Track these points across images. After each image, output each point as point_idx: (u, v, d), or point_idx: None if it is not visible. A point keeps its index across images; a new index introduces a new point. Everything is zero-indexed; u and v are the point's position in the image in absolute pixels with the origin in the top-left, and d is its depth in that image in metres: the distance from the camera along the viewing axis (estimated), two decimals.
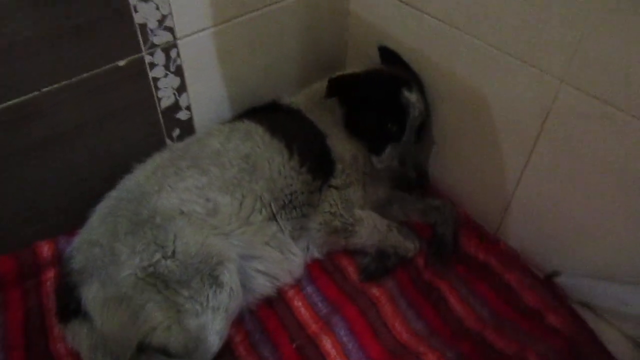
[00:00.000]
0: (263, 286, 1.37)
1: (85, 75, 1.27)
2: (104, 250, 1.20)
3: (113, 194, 1.33)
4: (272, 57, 1.60)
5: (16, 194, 1.35)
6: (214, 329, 1.18)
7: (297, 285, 1.47)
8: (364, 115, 1.47)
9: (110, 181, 1.37)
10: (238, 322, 1.37)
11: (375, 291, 1.46)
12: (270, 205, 1.37)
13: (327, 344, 1.34)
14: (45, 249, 1.42)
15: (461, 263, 1.52)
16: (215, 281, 1.19)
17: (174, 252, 1.19)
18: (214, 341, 1.19)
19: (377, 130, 1.46)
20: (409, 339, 1.36)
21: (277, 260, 1.37)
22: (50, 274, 1.40)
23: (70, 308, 1.19)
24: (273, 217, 1.38)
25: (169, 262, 1.18)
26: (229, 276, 1.21)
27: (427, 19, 1.42)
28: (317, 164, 1.43)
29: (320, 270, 1.51)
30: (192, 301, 1.17)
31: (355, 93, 1.46)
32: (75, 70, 1.25)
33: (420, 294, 1.46)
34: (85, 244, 1.24)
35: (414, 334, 1.38)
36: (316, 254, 1.50)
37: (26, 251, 1.41)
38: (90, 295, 1.17)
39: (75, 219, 1.34)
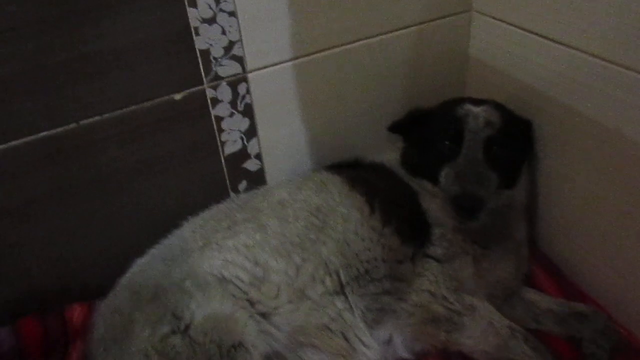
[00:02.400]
0: None
1: (132, 107, 1.13)
2: (123, 319, 1.03)
3: (152, 250, 1.17)
4: (367, 102, 1.40)
5: (49, 243, 1.21)
6: None
7: None
8: (419, 141, 1.27)
9: (161, 237, 1.20)
10: None
11: None
12: (338, 274, 1.11)
13: None
14: (76, 314, 1.24)
15: None
16: None
17: (187, 327, 0.97)
18: None
19: (431, 151, 1.22)
20: None
21: (338, 351, 1.07)
22: (79, 344, 1.20)
23: None
24: (340, 291, 1.11)
25: (177, 339, 0.96)
26: None
27: (561, 51, 1.15)
28: (407, 225, 1.18)
29: None
30: None
31: (416, 124, 1.29)
32: (120, 101, 1.12)
33: None
34: (107, 310, 1.08)
35: None
36: (401, 351, 1.16)
37: (55, 315, 1.24)
38: None
39: (115, 281, 1.15)
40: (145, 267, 1.12)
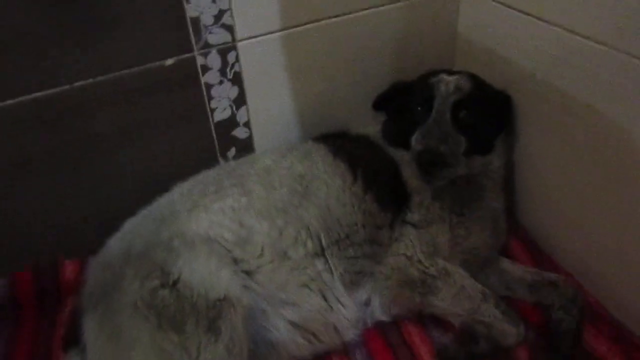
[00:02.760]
0: (295, 344, 1.10)
1: (125, 72, 1.15)
2: (114, 273, 1.06)
3: (143, 211, 1.20)
4: (355, 76, 1.40)
5: (44, 201, 1.24)
6: None
7: (348, 355, 1.16)
8: (398, 112, 1.30)
9: (151, 199, 1.23)
10: None
11: None
12: (319, 238, 1.15)
13: None
14: (69, 270, 1.29)
15: None
16: (211, 325, 0.97)
17: (176, 281, 1.01)
18: None
19: (406, 118, 1.24)
20: None
21: (317, 309, 1.12)
22: (71, 299, 1.24)
23: (72, 336, 1.06)
24: (321, 253, 1.15)
25: (166, 292, 0.99)
26: (231, 321, 0.98)
27: (555, 33, 1.15)
28: (387, 193, 1.21)
29: (382, 343, 1.19)
30: (181, 350, 0.95)
31: (397, 96, 1.32)
32: (113, 65, 1.14)
33: None
34: (99, 266, 1.12)
35: None
36: (379, 313, 1.21)
37: (48, 270, 1.28)
38: (90, 324, 1.03)
39: (106, 240, 1.18)
40: (135, 226, 1.15)
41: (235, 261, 1.07)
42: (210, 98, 1.26)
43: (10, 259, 1.25)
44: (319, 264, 1.13)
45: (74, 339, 1.04)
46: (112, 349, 0.98)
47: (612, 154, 1.09)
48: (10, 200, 1.22)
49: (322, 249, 1.15)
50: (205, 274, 1.01)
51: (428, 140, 1.16)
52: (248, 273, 1.07)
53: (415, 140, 1.19)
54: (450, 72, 1.28)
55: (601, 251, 1.19)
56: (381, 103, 1.35)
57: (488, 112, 1.24)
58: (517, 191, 1.39)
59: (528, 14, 1.21)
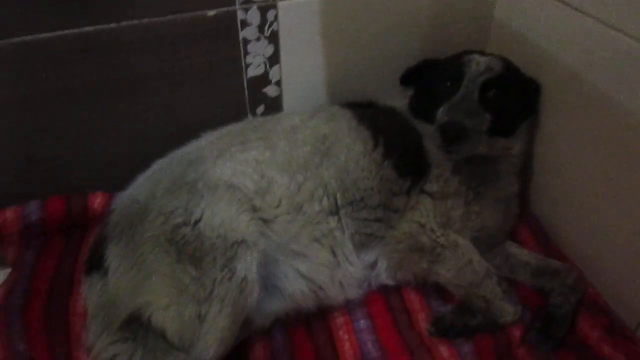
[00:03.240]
0: (301, 293, 1.16)
1: (169, 17, 1.19)
2: (140, 207, 1.12)
3: (172, 154, 1.26)
4: (387, 49, 1.42)
5: (81, 133, 1.31)
6: (215, 324, 1.00)
7: (349, 312, 1.22)
8: (426, 86, 1.31)
9: (180, 144, 1.27)
10: (266, 336, 1.17)
11: (443, 350, 1.15)
12: (335, 197, 1.19)
13: None
14: (98, 201, 1.35)
15: (572, 350, 1.14)
16: (227, 264, 1.03)
17: (197, 221, 1.06)
18: (214, 340, 1.00)
19: (434, 93, 1.25)
20: None
21: (325, 263, 1.17)
22: (97, 229, 1.31)
23: (95, 261, 1.12)
24: (335, 211, 1.19)
25: (188, 229, 1.05)
26: (246, 263, 1.04)
27: (589, 24, 1.15)
28: (406, 162, 1.24)
29: (383, 306, 1.24)
30: (197, 283, 1.02)
31: (426, 72, 1.33)
32: (159, 10, 1.18)
33: None
34: (126, 199, 1.18)
35: None
36: (384, 276, 1.25)
37: (78, 198, 1.35)
38: (113, 252, 1.09)
39: (135, 177, 1.24)
40: (164, 166, 1.20)
41: (254, 209, 1.12)
42: (246, 53, 1.29)
43: (43, 186, 1.33)
44: (332, 222, 1.18)
45: (96, 264, 1.11)
46: (133, 275, 1.04)
47: (634, 150, 1.10)
48: (51, 129, 1.28)
49: (337, 208, 1.19)
50: (225, 217, 1.06)
51: (453, 113, 1.17)
52: (265, 221, 1.12)
53: (441, 112, 1.20)
54: (482, 54, 1.30)
55: (608, 245, 1.20)
56: (410, 77, 1.37)
57: (516, 96, 1.25)
58: (533, 179, 1.41)
59: (565, 3, 1.21)
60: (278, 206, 1.15)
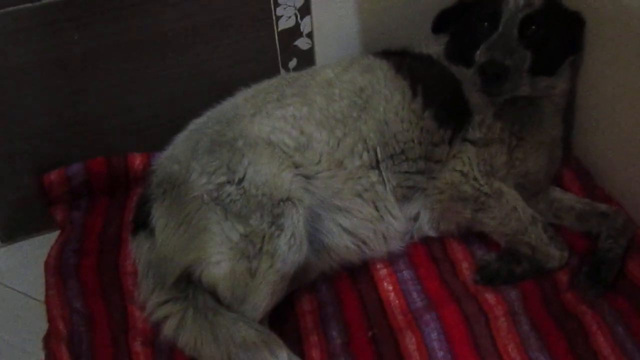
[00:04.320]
0: (346, 248, 1.17)
1: None
2: (181, 167, 1.13)
3: (208, 113, 1.25)
4: None
5: (115, 95, 1.31)
6: (265, 279, 1.03)
7: (392, 264, 1.23)
8: (462, 29, 1.25)
9: (214, 102, 1.27)
10: (313, 289, 1.20)
11: (490, 297, 1.16)
12: (375, 151, 1.18)
13: (411, 343, 1.08)
14: (138, 161, 1.38)
15: (622, 294, 1.12)
16: (275, 221, 1.04)
17: (241, 179, 1.07)
18: (265, 295, 1.04)
19: (471, 34, 1.20)
20: None
21: (368, 217, 1.17)
22: (139, 189, 1.34)
23: (141, 221, 1.15)
24: (376, 165, 1.19)
25: (233, 188, 1.07)
26: (293, 219, 1.05)
27: None
28: (447, 111, 1.21)
29: (425, 256, 1.25)
30: (247, 240, 1.04)
31: (461, 14, 1.26)
32: None
33: (551, 318, 1.11)
34: (167, 160, 1.19)
35: None
36: (426, 227, 1.25)
37: (118, 159, 1.38)
38: (159, 211, 1.12)
39: (173, 136, 1.25)
40: (201, 126, 1.21)
41: (295, 165, 1.12)
42: (276, 5, 1.27)
43: (84, 150, 1.35)
44: (373, 176, 1.17)
45: (142, 224, 1.14)
46: (182, 234, 1.07)
47: None
48: (86, 92, 1.29)
49: (377, 162, 1.18)
50: (269, 174, 1.07)
51: (492, 52, 1.13)
52: (307, 178, 1.12)
53: (479, 53, 1.16)
54: None
55: None
56: (444, 21, 1.32)
57: (558, 32, 1.20)
58: (576, 120, 1.36)
59: None
60: (319, 162, 1.14)
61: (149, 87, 1.32)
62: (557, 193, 1.30)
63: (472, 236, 1.25)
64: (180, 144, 1.20)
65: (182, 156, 1.15)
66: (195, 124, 1.23)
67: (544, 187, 1.30)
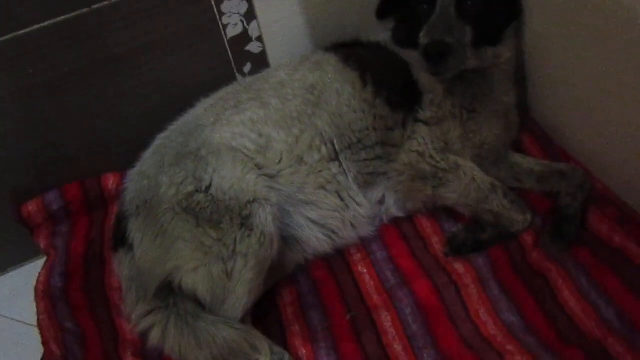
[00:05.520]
0: (317, 240, 1.22)
1: None
2: (150, 182, 1.17)
3: (171, 126, 1.29)
4: None
5: (80, 119, 1.35)
6: (242, 278, 1.07)
7: (365, 248, 1.27)
8: (405, 13, 1.26)
9: (177, 115, 1.30)
10: (291, 281, 1.24)
11: (459, 267, 1.20)
12: (332, 143, 1.22)
13: (386, 320, 1.13)
14: (111, 181, 1.42)
15: (584, 246, 1.16)
16: (244, 222, 1.08)
17: (208, 187, 1.11)
18: (243, 293, 1.08)
19: (413, 18, 1.21)
20: (495, 332, 1.09)
21: (333, 207, 1.22)
22: (116, 207, 1.38)
23: (119, 238, 1.19)
24: (335, 157, 1.23)
25: (201, 196, 1.10)
26: (261, 218, 1.09)
27: None
28: (398, 94, 1.24)
29: (397, 235, 1.30)
30: (220, 244, 1.08)
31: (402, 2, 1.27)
32: None
33: (519, 279, 1.16)
34: (137, 176, 1.23)
35: (502, 327, 1.09)
36: (393, 209, 1.29)
37: (92, 181, 1.42)
38: (134, 227, 1.15)
39: (141, 153, 1.29)
40: (166, 139, 1.24)
41: (258, 167, 1.16)
42: (221, 14, 1.29)
43: (59, 176, 1.39)
44: (334, 168, 1.21)
45: (120, 241, 1.18)
46: (158, 245, 1.11)
47: (625, 35, 1.04)
48: (50, 116, 1.32)
49: (336, 154, 1.21)
50: (234, 179, 1.11)
51: (433, 33, 1.15)
52: (270, 177, 1.16)
53: (422, 35, 1.18)
54: None
55: (611, 137, 1.18)
56: (387, 6, 1.33)
57: (496, 1, 1.21)
58: (528, 84, 1.38)
59: None
60: (280, 161, 1.18)
61: (111, 108, 1.36)
62: (516, 158, 1.33)
63: (440, 211, 1.29)
64: (147, 159, 1.24)
65: (151, 171, 1.18)
66: (160, 138, 1.26)
67: (503, 155, 1.33)
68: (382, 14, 1.34)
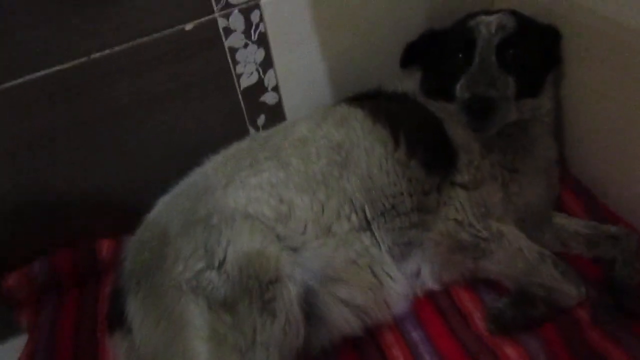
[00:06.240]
0: (345, 321, 1.06)
1: (142, 39, 1.09)
2: (153, 254, 1.03)
3: (176, 188, 1.15)
4: (387, 27, 1.30)
5: (73, 179, 1.22)
6: None
7: (398, 327, 1.12)
8: (435, 63, 1.20)
9: (183, 174, 1.18)
10: None
11: (509, 351, 1.05)
12: (363, 210, 1.09)
13: None
14: (106, 248, 1.27)
15: None
16: (266, 307, 0.94)
17: (221, 262, 0.97)
18: None
19: (447, 68, 1.15)
20: None
21: (367, 285, 1.07)
22: (111, 278, 1.23)
23: (116, 318, 1.04)
24: (366, 227, 1.09)
25: (213, 274, 0.96)
26: (285, 302, 0.95)
27: None
28: (433, 155, 1.14)
29: (433, 311, 1.14)
30: (236, 332, 0.93)
31: (431, 46, 1.21)
32: (129, 34, 1.08)
33: None
34: (136, 245, 1.09)
35: None
36: (429, 282, 1.16)
37: (85, 249, 1.26)
38: (133, 306, 1.01)
39: (141, 218, 1.15)
40: (170, 204, 1.10)
41: (279, 238, 1.02)
42: (235, 63, 1.19)
43: (48, 239, 1.25)
44: (366, 239, 1.08)
45: (117, 321, 1.02)
46: (162, 331, 0.95)
47: None
48: (40, 178, 1.20)
49: (368, 223, 1.09)
50: (252, 252, 0.97)
51: (475, 85, 1.06)
52: (294, 250, 1.02)
53: (460, 88, 1.09)
54: (488, 12, 1.18)
55: None
56: (412, 54, 1.25)
57: (536, 49, 1.15)
58: (566, 136, 1.29)
59: None
60: (304, 232, 1.04)
61: (109, 165, 1.23)
62: (560, 219, 1.22)
63: (479, 281, 1.14)
64: (149, 226, 1.09)
65: (154, 241, 1.04)
66: (163, 202, 1.13)
67: (546, 216, 1.22)
68: (406, 62, 1.25)
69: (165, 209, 1.10)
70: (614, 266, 1.11)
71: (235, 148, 1.19)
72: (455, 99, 1.12)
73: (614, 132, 1.15)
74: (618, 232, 1.14)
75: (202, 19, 1.10)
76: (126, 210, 1.22)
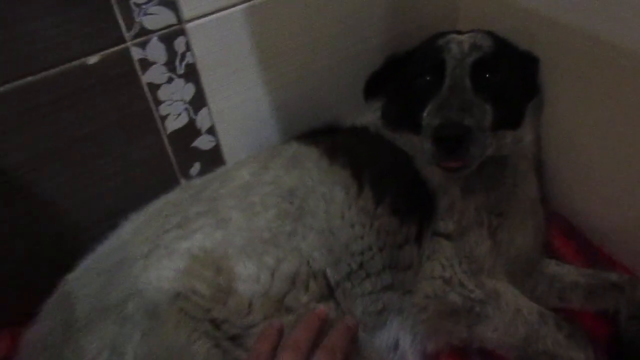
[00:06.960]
0: None
1: (33, 78, 0.85)
2: (52, 354, 0.80)
3: (85, 261, 0.93)
4: (341, 52, 1.13)
5: None
6: None
7: None
8: (400, 89, 1.06)
9: (100, 240, 0.95)
10: None
11: None
12: (324, 275, 0.89)
13: None
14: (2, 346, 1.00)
15: None
16: None
17: None
18: None
19: (413, 94, 1.01)
20: None
21: None
22: None
23: None
24: (329, 295, 0.89)
25: None
26: None
27: None
28: (405, 199, 0.97)
29: None
30: None
31: (395, 71, 1.09)
32: (16, 71, 0.84)
33: None
34: (33, 343, 0.85)
35: None
36: (410, 355, 0.96)
37: None
38: None
39: (42, 303, 0.90)
40: (76, 285, 0.87)
41: (215, 324, 0.80)
42: (158, 103, 0.97)
43: None
44: (330, 312, 0.87)
45: None
46: None
47: None
48: None
49: (331, 290, 0.88)
50: (173, 351, 0.74)
51: (446, 111, 0.90)
52: (234, 339, 0.80)
53: (428, 115, 0.94)
54: (459, 32, 1.05)
55: None
56: (376, 84, 1.11)
57: (514, 76, 1.01)
58: (548, 171, 1.16)
59: None
60: (249, 312, 0.82)
61: (6, 231, 0.97)
62: (553, 267, 1.07)
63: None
64: (49, 315, 0.86)
65: (53, 337, 0.81)
66: (68, 282, 0.89)
67: (539, 264, 1.06)
68: (370, 94, 1.10)
69: (69, 291, 0.87)
70: (619, 319, 0.97)
71: (161, 203, 0.98)
72: (422, 128, 0.95)
73: (603, 159, 1.03)
74: (620, 280, 1.01)
75: (109, 50, 0.88)
76: (26, 295, 0.94)
